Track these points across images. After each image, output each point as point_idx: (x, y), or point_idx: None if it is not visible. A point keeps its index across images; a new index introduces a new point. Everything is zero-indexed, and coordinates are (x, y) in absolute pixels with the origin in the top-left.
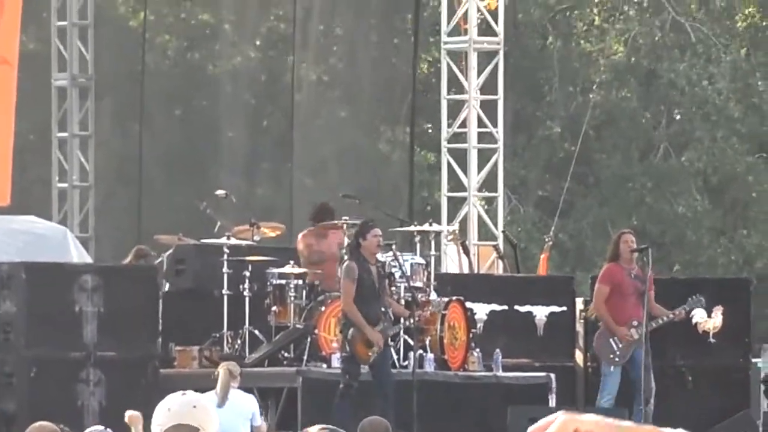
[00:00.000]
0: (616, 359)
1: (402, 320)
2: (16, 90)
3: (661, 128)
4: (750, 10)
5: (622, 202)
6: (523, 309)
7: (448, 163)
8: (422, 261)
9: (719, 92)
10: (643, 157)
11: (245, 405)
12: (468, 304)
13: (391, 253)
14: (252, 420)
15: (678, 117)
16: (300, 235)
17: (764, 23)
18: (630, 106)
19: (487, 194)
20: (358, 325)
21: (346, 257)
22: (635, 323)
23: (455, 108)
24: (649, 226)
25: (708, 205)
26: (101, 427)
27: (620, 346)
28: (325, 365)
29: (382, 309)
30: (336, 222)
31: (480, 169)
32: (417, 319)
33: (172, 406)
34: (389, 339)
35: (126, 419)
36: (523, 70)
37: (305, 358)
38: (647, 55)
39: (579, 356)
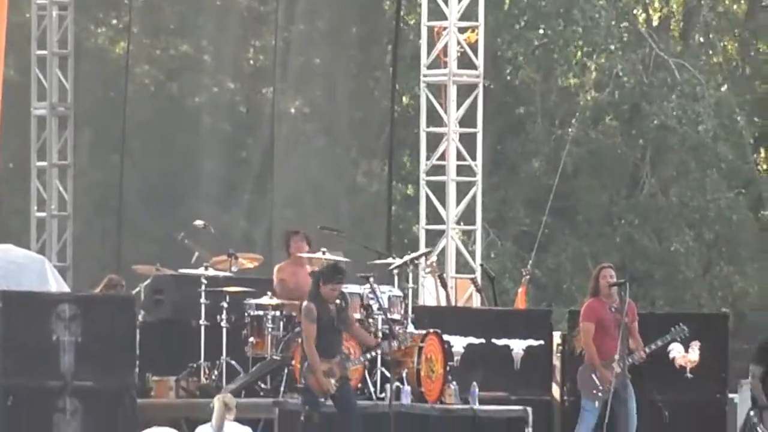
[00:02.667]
0: (599, 394)
1: (371, 351)
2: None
3: (645, 164)
4: (727, 43)
5: (603, 238)
6: (500, 342)
7: (427, 196)
8: (400, 293)
9: (707, 131)
10: (629, 194)
11: None
12: (445, 337)
13: (368, 286)
14: None
15: (665, 154)
16: (276, 268)
17: (741, 59)
18: (613, 142)
19: (465, 227)
20: (312, 367)
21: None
22: (616, 357)
23: (434, 141)
24: (630, 262)
25: (693, 242)
26: None
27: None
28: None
29: (342, 343)
30: (312, 256)
31: (459, 202)
32: (394, 350)
33: None
34: (347, 372)
35: None
36: (504, 105)
37: (282, 389)
38: (631, 92)
39: (556, 390)
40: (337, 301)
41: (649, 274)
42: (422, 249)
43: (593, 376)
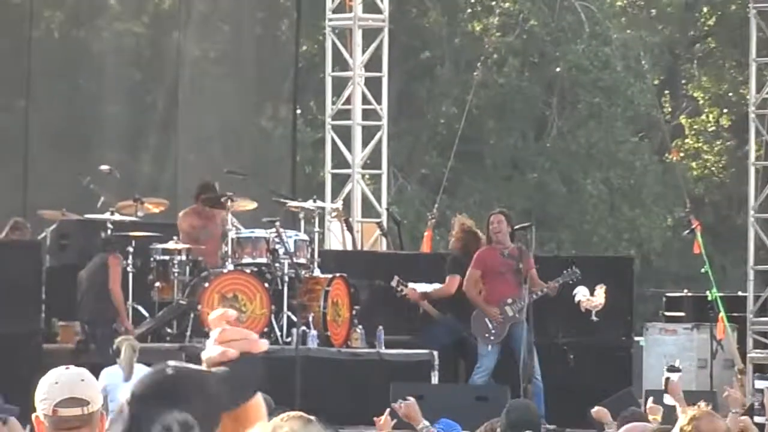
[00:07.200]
0: (491, 338)
1: None
2: None
3: (552, 108)
4: None
5: (510, 181)
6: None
7: (333, 141)
8: (306, 238)
9: (619, 73)
10: (537, 137)
11: None
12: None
13: (274, 230)
14: None
15: (572, 99)
16: (181, 213)
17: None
18: (521, 86)
19: (371, 171)
20: None
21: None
22: (509, 301)
23: (340, 85)
24: (539, 206)
25: (601, 185)
26: None
27: (494, 325)
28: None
29: None
30: (221, 196)
31: (364, 146)
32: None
33: (59, 379)
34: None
35: None
36: (410, 49)
37: (188, 334)
38: (539, 36)
39: None
40: None
41: (557, 217)
42: (329, 193)
43: (485, 320)
